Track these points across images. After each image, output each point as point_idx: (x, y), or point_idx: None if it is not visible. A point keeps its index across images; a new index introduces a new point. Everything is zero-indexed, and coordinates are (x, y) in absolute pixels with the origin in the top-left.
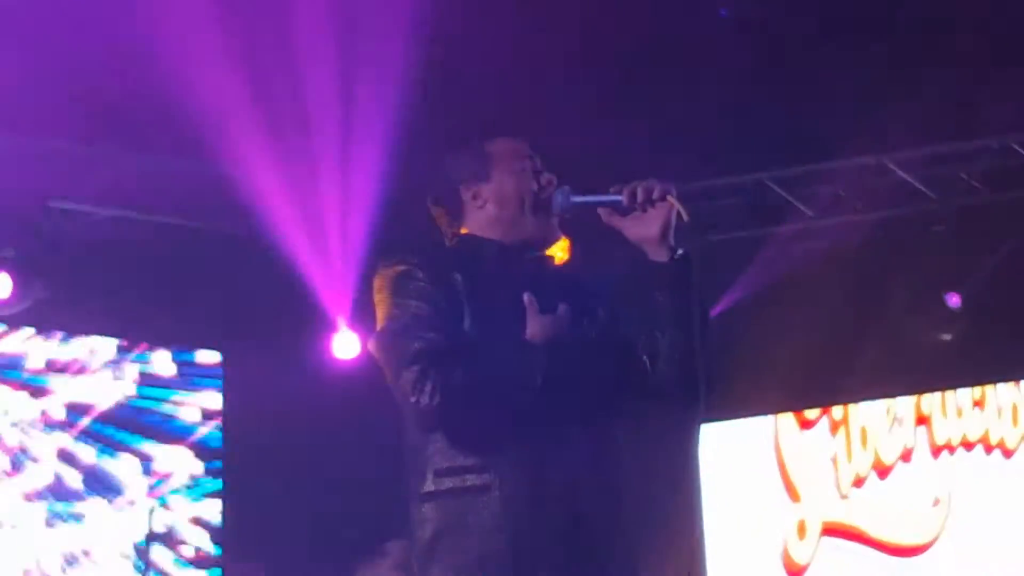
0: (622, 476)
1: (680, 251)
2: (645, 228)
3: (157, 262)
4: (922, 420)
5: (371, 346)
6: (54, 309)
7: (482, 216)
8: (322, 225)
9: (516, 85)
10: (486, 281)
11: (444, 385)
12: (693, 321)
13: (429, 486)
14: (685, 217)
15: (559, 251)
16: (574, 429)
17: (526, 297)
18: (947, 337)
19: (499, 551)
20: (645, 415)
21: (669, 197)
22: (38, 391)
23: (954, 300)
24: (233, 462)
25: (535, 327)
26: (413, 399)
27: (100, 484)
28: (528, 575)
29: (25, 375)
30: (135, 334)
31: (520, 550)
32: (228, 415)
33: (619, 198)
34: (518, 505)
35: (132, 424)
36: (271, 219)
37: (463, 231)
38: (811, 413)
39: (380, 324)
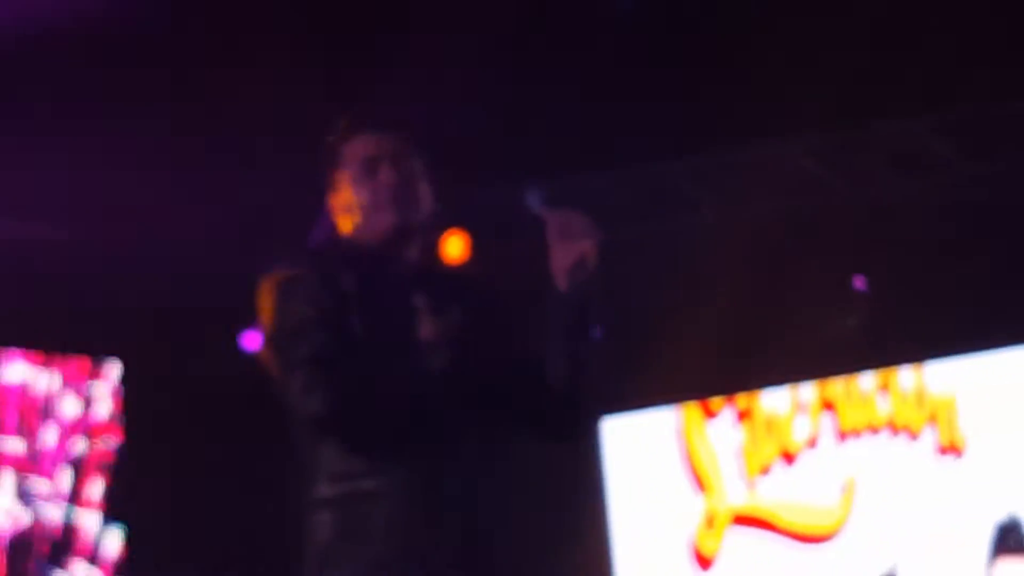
0: (516, 481)
1: (578, 288)
2: (562, 254)
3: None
4: (828, 405)
5: (260, 354)
6: None
7: (347, 222)
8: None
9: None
10: (373, 283)
11: (333, 390)
12: (579, 351)
13: (323, 492)
14: (590, 267)
15: (453, 247)
16: (468, 434)
17: (419, 299)
18: (851, 322)
19: (392, 557)
20: (536, 422)
21: (584, 240)
22: None
23: (859, 282)
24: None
25: (427, 329)
26: (302, 406)
27: None
28: None
29: None
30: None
31: (412, 557)
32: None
33: (550, 220)
34: (412, 511)
35: None
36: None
37: (342, 234)
38: (716, 402)
39: (267, 331)
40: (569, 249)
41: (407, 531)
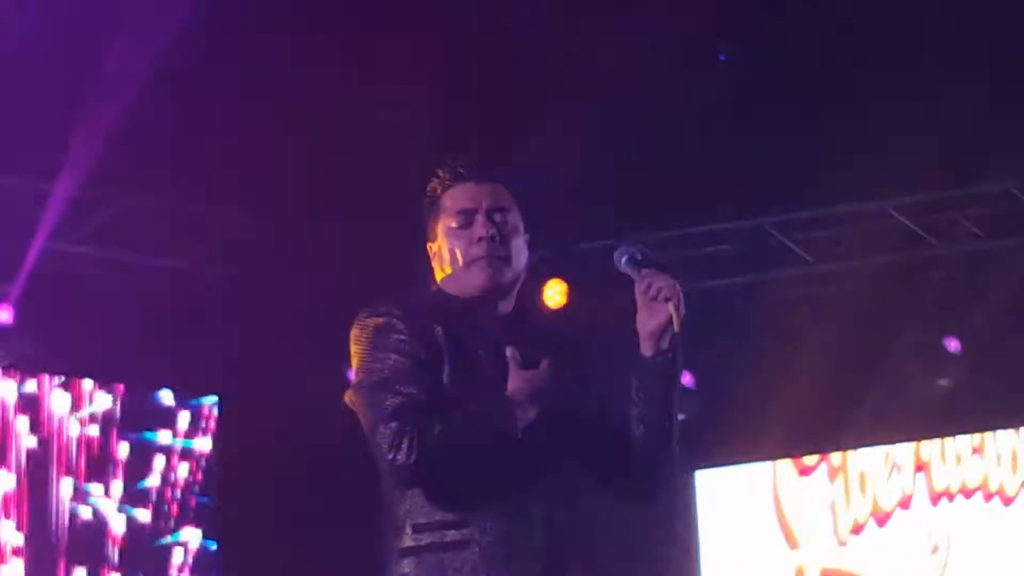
0: (598, 532)
1: (665, 352)
2: (648, 317)
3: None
4: (921, 467)
5: (347, 398)
6: (53, 352)
7: (441, 273)
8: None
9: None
10: (465, 334)
11: (421, 442)
12: (663, 416)
13: (408, 541)
14: (676, 328)
15: (556, 295)
16: (552, 484)
17: (509, 351)
18: (946, 383)
19: None
20: (614, 481)
21: (669, 304)
22: None
23: (953, 345)
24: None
25: (516, 381)
26: (390, 456)
27: None
28: None
29: None
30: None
31: None
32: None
33: (640, 281)
34: (497, 560)
35: None
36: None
37: (437, 284)
38: (810, 459)
39: (357, 377)
40: (655, 311)
41: None
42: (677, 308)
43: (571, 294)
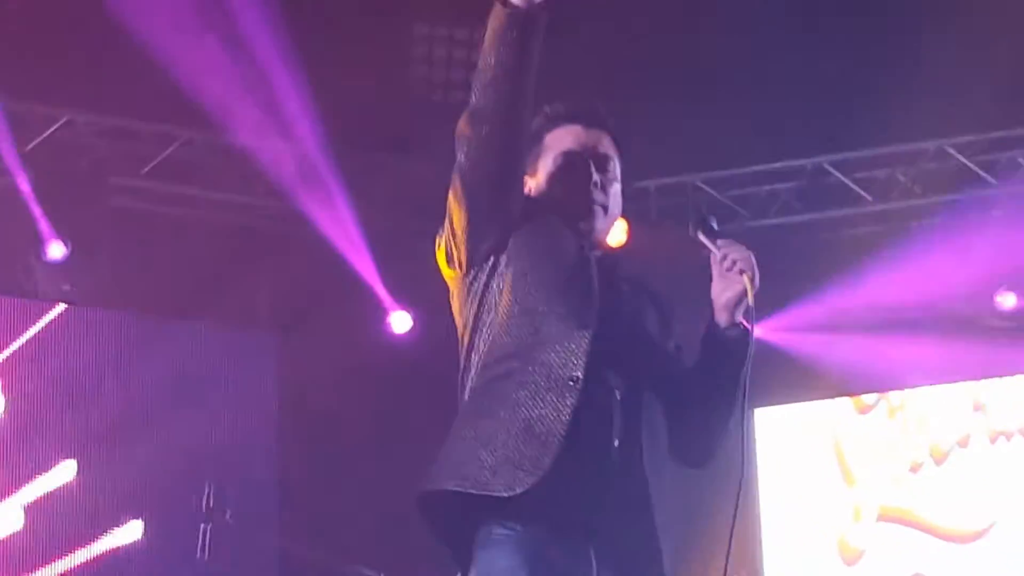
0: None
1: (740, 325)
2: (723, 288)
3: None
4: (979, 407)
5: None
6: (120, 286)
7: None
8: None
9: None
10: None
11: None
12: (732, 387)
13: (476, 380)
14: (750, 301)
15: (618, 232)
16: (625, 379)
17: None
18: (1006, 324)
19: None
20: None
21: (744, 276)
22: None
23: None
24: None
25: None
26: (459, 156)
27: None
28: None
29: None
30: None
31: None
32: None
33: (716, 252)
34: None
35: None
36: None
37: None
38: (869, 398)
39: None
40: (731, 282)
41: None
42: (752, 281)
43: (631, 232)
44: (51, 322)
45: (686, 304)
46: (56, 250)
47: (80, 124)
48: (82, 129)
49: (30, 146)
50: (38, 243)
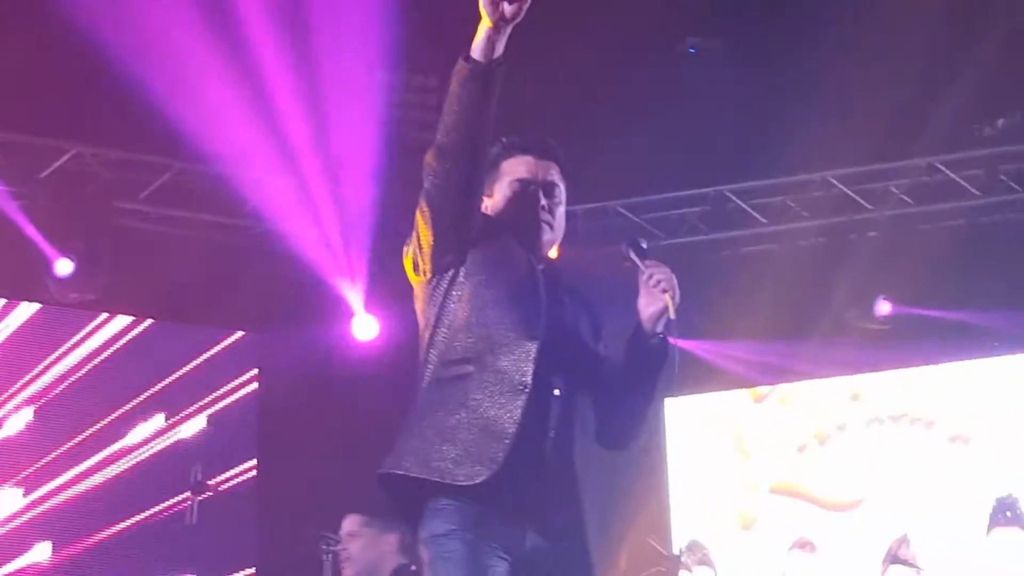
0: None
1: (660, 335)
2: (647, 303)
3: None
4: (856, 397)
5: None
6: (121, 294)
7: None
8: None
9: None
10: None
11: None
12: (651, 387)
13: (433, 375)
14: (672, 315)
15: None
16: (557, 397)
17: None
18: (880, 326)
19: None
20: (603, 425)
21: (667, 295)
22: None
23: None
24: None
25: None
26: (425, 183)
27: None
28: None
29: None
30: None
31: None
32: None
33: (643, 271)
34: (496, 391)
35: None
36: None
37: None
38: (763, 390)
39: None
40: (654, 298)
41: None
42: (673, 298)
43: (561, 250)
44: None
45: (610, 310)
46: (64, 266)
47: (87, 156)
48: (88, 160)
49: (43, 174)
50: (49, 260)
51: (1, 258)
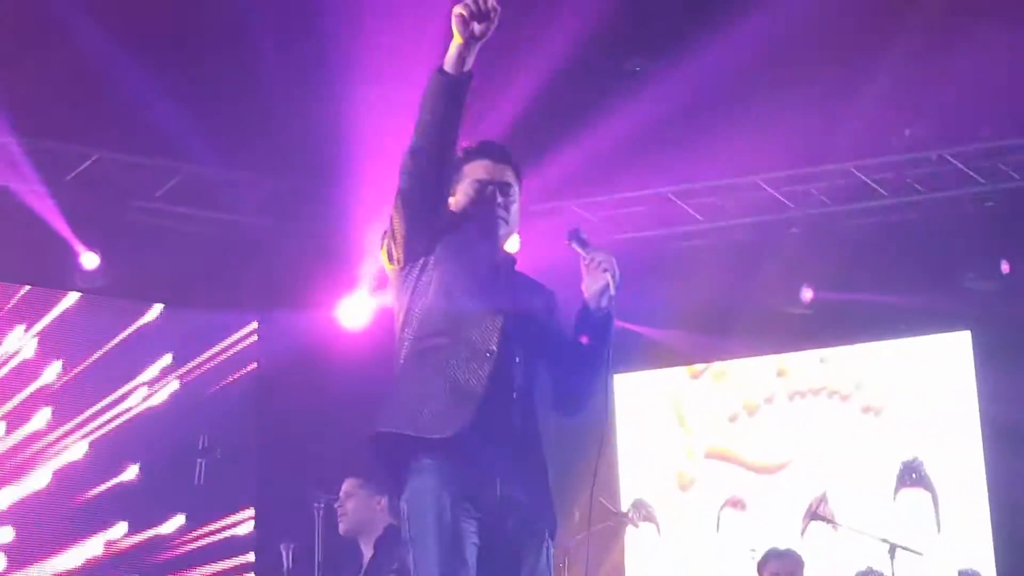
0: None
1: (604, 310)
2: (591, 283)
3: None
4: (782, 373)
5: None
6: (141, 282)
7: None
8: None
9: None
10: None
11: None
12: (600, 354)
13: (410, 346)
14: (612, 291)
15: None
16: (518, 368)
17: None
18: (802, 311)
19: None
20: (561, 393)
21: (607, 274)
22: None
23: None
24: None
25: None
26: (400, 181)
27: None
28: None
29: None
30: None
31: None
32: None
33: (586, 257)
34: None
35: None
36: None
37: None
38: (699, 367)
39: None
40: (597, 278)
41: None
42: (613, 277)
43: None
44: (76, 308)
45: (561, 293)
46: (90, 260)
47: (108, 160)
48: (109, 164)
49: (69, 176)
50: (76, 253)
51: (33, 252)
